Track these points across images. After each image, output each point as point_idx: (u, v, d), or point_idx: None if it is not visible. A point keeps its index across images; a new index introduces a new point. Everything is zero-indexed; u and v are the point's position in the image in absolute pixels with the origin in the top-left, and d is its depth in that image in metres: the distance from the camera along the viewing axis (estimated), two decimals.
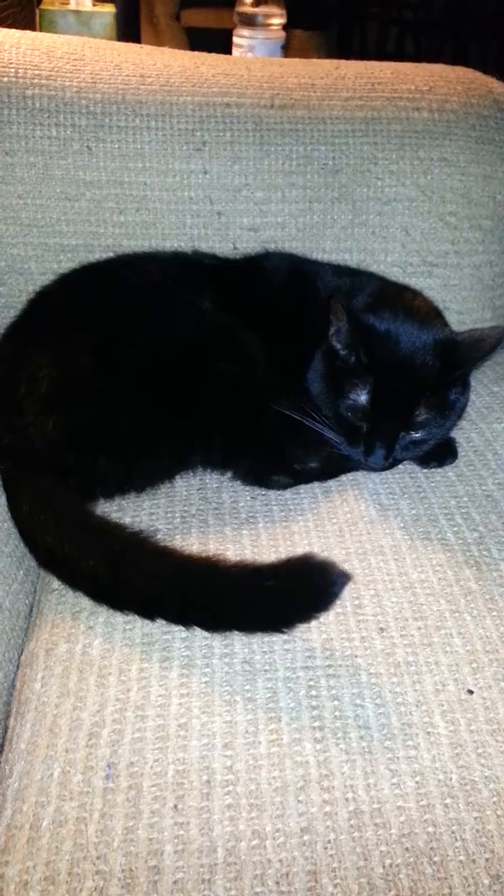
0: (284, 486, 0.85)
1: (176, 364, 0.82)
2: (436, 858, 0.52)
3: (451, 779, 0.56)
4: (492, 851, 0.53)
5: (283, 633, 0.65)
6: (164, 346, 0.83)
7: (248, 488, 0.85)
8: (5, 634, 0.71)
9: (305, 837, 0.53)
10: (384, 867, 0.52)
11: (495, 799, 0.55)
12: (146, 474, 0.84)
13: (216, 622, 0.66)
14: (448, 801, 0.55)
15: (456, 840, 0.53)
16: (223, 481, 0.87)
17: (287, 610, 0.64)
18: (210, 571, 0.67)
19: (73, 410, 0.78)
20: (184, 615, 0.67)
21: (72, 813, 0.55)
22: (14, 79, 0.96)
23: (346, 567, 0.72)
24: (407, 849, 0.53)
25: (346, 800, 0.55)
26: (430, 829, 0.54)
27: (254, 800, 0.55)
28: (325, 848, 0.52)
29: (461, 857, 0.52)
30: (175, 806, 0.55)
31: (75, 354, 0.80)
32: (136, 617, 0.68)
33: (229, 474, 0.87)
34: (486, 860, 0.52)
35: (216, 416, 0.83)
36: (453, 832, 0.53)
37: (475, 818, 0.54)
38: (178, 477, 0.86)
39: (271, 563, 0.67)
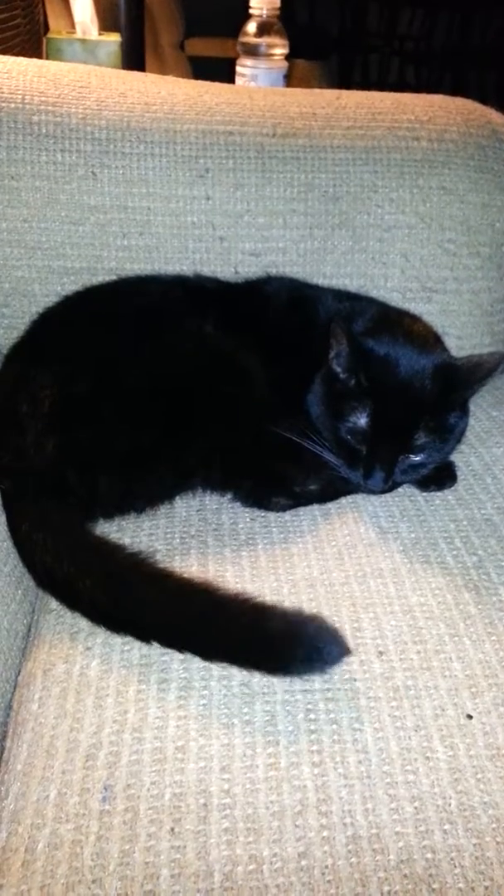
0: (284, 508, 0.85)
1: (176, 386, 0.82)
2: (434, 886, 0.52)
3: (449, 804, 0.56)
4: (491, 879, 0.52)
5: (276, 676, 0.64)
6: (165, 368, 0.84)
7: (247, 510, 0.85)
8: (3, 654, 0.70)
9: (303, 863, 0.52)
10: (382, 894, 0.51)
11: (494, 825, 0.55)
12: (146, 495, 0.84)
13: (211, 654, 0.66)
14: (447, 826, 0.55)
15: (455, 867, 0.53)
16: (223, 503, 0.87)
17: (280, 662, 0.64)
18: (208, 601, 0.67)
19: (74, 431, 0.79)
20: (179, 642, 0.66)
21: (68, 836, 0.54)
22: (21, 105, 0.97)
23: (344, 590, 0.73)
24: (405, 875, 0.52)
25: (344, 825, 0.55)
26: (429, 856, 0.53)
27: (251, 824, 0.55)
28: (323, 874, 0.52)
29: (460, 885, 0.52)
30: (172, 829, 0.54)
31: (77, 375, 0.81)
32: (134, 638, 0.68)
33: (229, 496, 0.87)
34: (486, 888, 0.52)
35: (216, 438, 0.84)
36: (452, 859, 0.53)
37: (474, 844, 0.54)
38: (177, 498, 0.86)
39: (274, 608, 0.66)
